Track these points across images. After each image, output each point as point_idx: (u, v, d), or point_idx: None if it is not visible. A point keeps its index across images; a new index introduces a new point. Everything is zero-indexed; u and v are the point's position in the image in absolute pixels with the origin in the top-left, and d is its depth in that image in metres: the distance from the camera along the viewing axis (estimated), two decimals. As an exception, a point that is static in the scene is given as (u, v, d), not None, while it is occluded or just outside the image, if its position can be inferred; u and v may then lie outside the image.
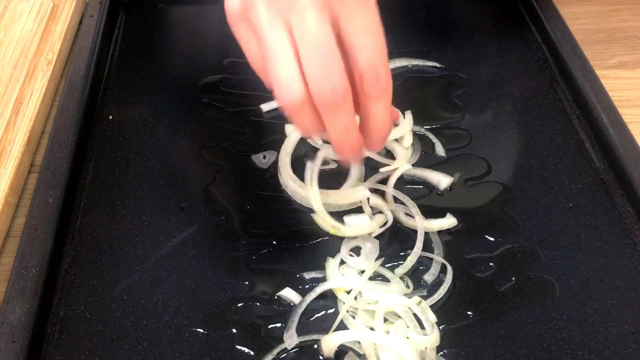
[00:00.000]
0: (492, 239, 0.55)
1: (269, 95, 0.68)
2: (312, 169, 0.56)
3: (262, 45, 0.40)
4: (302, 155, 0.62)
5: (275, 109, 0.67)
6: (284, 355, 0.48)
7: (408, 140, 0.63)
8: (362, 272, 0.52)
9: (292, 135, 0.63)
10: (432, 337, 0.48)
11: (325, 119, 0.41)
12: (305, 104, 0.40)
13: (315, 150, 0.62)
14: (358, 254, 0.54)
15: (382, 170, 0.60)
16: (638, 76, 0.74)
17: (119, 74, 0.71)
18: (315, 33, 0.38)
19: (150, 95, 0.68)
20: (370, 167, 0.60)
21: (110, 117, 0.66)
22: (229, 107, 0.67)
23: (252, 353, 0.48)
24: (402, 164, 0.60)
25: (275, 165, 0.61)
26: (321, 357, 0.48)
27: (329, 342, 0.47)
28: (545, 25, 0.75)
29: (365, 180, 0.59)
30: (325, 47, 0.38)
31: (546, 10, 0.77)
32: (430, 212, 0.57)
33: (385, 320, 0.49)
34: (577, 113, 0.67)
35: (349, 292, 0.51)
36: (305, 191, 0.57)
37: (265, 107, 0.67)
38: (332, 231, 0.54)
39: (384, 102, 0.42)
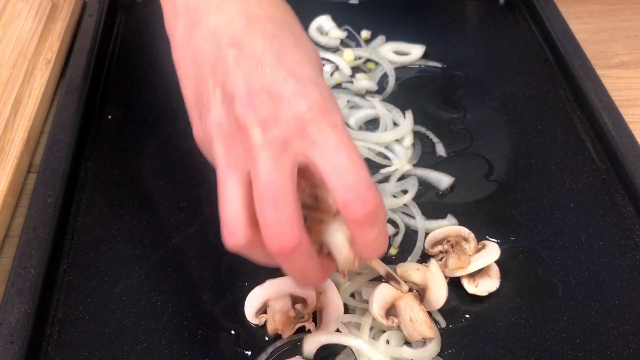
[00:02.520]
0: (493, 239, 0.55)
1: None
2: None
3: (217, 181, 0.39)
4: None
5: None
6: (278, 353, 0.48)
7: (408, 140, 0.63)
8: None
9: None
10: (422, 351, 0.47)
11: (279, 261, 0.39)
12: (250, 245, 0.38)
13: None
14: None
15: (382, 171, 0.60)
16: (639, 76, 0.74)
17: (119, 74, 0.71)
18: (267, 177, 0.36)
19: (150, 95, 0.68)
20: (371, 167, 0.60)
21: (110, 117, 0.65)
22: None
23: (249, 353, 0.48)
24: (403, 164, 0.60)
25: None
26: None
27: (311, 342, 0.47)
28: (546, 25, 0.75)
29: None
30: (276, 191, 0.36)
31: (547, 10, 0.77)
32: (430, 212, 0.56)
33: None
34: (578, 113, 0.67)
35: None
36: None
37: None
38: None
39: (376, 229, 0.37)
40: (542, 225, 0.56)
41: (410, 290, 0.50)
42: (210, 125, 0.38)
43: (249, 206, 0.37)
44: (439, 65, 0.73)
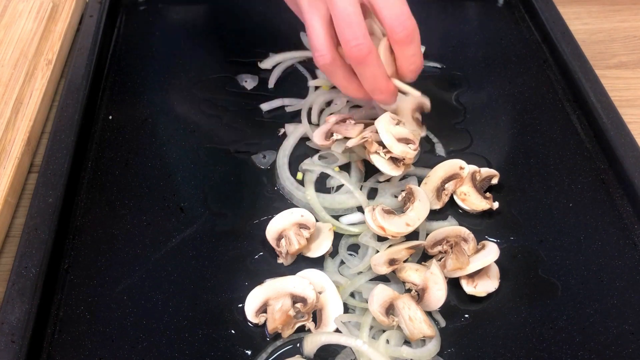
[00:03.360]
0: (492, 239, 0.55)
1: (269, 95, 0.68)
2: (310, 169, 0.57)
3: (304, 22, 0.52)
4: (302, 155, 0.62)
5: (275, 109, 0.67)
6: (278, 352, 0.48)
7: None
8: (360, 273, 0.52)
9: (291, 137, 0.63)
10: (422, 350, 0.48)
11: (357, 72, 0.53)
12: (334, 64, 0.52)
13: (314, 152, 0.62)
14: (356, 252, 0.54)
15: (380, 179, 0.60)
16: (638, 76, 0.74)
17: (119, 74, 0.71)
18: (343, 6, 0.49)
19: (150, 95, 0.68)
20: (372, 168, 0.60)
21: (110, 117, 0.66)
22: (229, 107, 0.67)
23: (249, 353, 0.48)
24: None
25: (275, 165, 0.61)
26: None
27: (311, 342, 0.48)
28: (545, 25, 0.75)
29: (365, 180, 0.59)
30: (350, 15, 0.49)
31: (546, 10, 0.77)
32: (431, 212, 0.56)
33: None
34: (577, 113, 0.67)
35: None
36: (301, 193, 0.57)
37: (265, 106, 0.67)
38: (332, 229, 0.54)
39: (414, 47, 0.51)
40: (542, 225, 0.57)
41: (409, 290, 0.51)
42: None
43: (331, 35, 0.52)
44: (438, 65, 0.73)
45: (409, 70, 0.54)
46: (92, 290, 0.51)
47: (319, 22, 0.51)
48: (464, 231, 0.54)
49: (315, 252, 0.53)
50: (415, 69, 0.54)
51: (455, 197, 0.58)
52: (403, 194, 0.57)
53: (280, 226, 0.54)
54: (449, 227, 0.54)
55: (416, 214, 0.54)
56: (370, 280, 0.52)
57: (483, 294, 0.51)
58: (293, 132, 0.63)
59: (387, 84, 0.53)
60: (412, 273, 0.50)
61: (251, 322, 0.49)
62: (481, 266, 0.50)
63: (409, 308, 0.48)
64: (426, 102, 0.65)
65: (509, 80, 0.71)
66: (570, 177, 0.61)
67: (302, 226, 0.53)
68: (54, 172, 0.57)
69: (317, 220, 0.55)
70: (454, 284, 0.52)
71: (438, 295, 0.49)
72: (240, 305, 0.50)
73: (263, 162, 0.61)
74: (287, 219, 0.54)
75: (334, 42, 0.52)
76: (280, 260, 0.53)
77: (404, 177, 0.60)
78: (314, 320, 0.49)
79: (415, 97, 0.58)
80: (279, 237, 0.53)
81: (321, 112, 0.66)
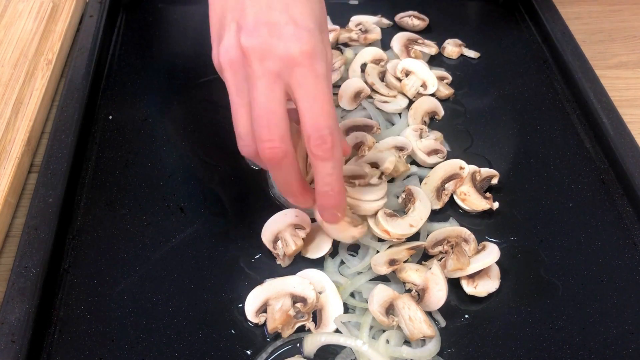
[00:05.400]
0: (493, 239, 0.55)
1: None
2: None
3: (230, 100, 0.47)
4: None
5: None
6: (277, 352, 0.48)
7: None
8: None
9: None
10: (422, 350, 0.48)
11: (270, 171, 0.49)
12: (257, 153, 0.46)
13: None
14: (356, 252, 0.54)
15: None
16: (638, 76, 0.74)
17: (119, 74, 0.71)
18: (261, 101, 0.44)
19: (150, 95, 0.68)
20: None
21: (110, 117, 0.66)
22: (229, 107, 0.67)
23: (249, 353, 0.48)
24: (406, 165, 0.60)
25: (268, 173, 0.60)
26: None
27: (311, 342, 0.48)
28: (546, 25, 0.75)
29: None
30: (269, 112, 0.44)
31: (546, 11, 0.77)
32: (432, 213, 0.56)
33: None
34: (577, 113, 0.67)
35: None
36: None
37: None
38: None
39: (331, 165, 0.45)
40: (542, 225, 0.57)
41: (409, 290, 0.51)
42: (222, 54, 0.46)
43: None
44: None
45: (321, 191, 0.46)
46: (92, 290, 0.51)
47: (244, 108, 0.46)
48: (465, 232, 0.54)
49: (315, 252, 0.53)
50: (330, 191, 0.46)
51: (455, 197, 0.58)
52: (403, 195, 0.57)
53: (276, 228, 0.54)
54: (450, 228, 0.55)
55: (418, 214, 0.54)
56: (370, 280, 0.52)
57: (484, 294, 0.51)
58: None
59: (302, 188, 0.48)
60: (412, 273, 0.50)
61: (251, 322, 0.49)
62: (482, 267, 0.51)
63: (409, 308, 0.48)
64: (441, 109, 0.66)
65: (509, 80, 0.71)
66: (570, 177, 0.61)
67: (297, 227, 0.53)
68: (54, 172, 0.57)
69: (313, 221, 0.55)
70: (454, 284, 0.52)
71: (439, 295, 0.49)
72: (240, 305, 0.50)
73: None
74: (282, 220, 0.54)
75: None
76: (278, 262, 0.53)
77: (406, 177, 0.60)
78: (314, 320, 0.49)
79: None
80: (275, 240, 0.53)
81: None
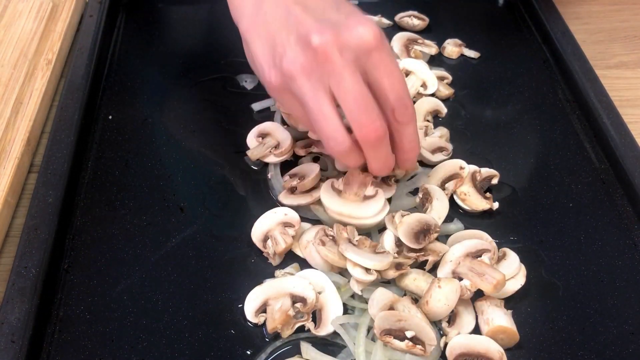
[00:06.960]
0: (493, 239, 0.55)
1: (268, 95, 0.68)
2: None
3: (307, 109, 0.47)
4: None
5: (266, 108, 0.67)
6: (277, 353, 0.48)
7: None
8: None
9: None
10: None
11: (369, 154, 0.50)
12: (352, 148, 0.48)
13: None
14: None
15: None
16: (638, 76, 0.74)
17: (119, 74, 0.71)
18: (355, 89, 0.46)
19: (150, 95, 0.68)
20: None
21: (110, 117, 0.66)
22: (229, 107, 0.67)
23: (249, 353, 0.48)
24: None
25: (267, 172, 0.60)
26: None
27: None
28: (546, 25, 0.75)
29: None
30: (365, 98, 0.46)
31: (546, 11, 0.77)
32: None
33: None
34: (578, 113, 0.67)
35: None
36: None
37: (256, 106, 0.67)
38: None
39: (413, 126, 0.50)
40: (542, 225, 0.57)
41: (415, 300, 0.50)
42: (288, 64, 0.47)
43: (340, 117, 0.48)
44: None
45: (408, 147, 0.51)
46: (92, 290, 0.51)
47: (328, 105, 0.47)
48: (486, 243, 0.52)
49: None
50: (415, 146, 0.52)
51: (455, 197, 0.58)
52: (420, 194, 0.57)
53: (265, 227, 0.54)
54: (471, 242, 0.53)
55: (437, 214, 0.55)
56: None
57: (509, 294, 0.51)
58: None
59: (394, 161, 0.52)
60: (411, 283, 0.50)
61: (251, 322, 0.49)
62: (508, 277, 0.50)
63: (409, 311, 0.48)
64: (442, 107, 0.66)
65: (509, 80, 0.71)
66: (570, 177, 0.61)
67: (286, 225, 0.54)
68: (54, 172, 0.57)
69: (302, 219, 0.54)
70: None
71: (468, 319, 0.49)
72: (240, 305, 0.50)
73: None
74: (271, 219, 0.54)
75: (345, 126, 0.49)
76: (269, 261, 0.53)
77: (413, 176, 0.60)
78: (314, 320, 0.49)
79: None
80: (265, 238, 0.53)
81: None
